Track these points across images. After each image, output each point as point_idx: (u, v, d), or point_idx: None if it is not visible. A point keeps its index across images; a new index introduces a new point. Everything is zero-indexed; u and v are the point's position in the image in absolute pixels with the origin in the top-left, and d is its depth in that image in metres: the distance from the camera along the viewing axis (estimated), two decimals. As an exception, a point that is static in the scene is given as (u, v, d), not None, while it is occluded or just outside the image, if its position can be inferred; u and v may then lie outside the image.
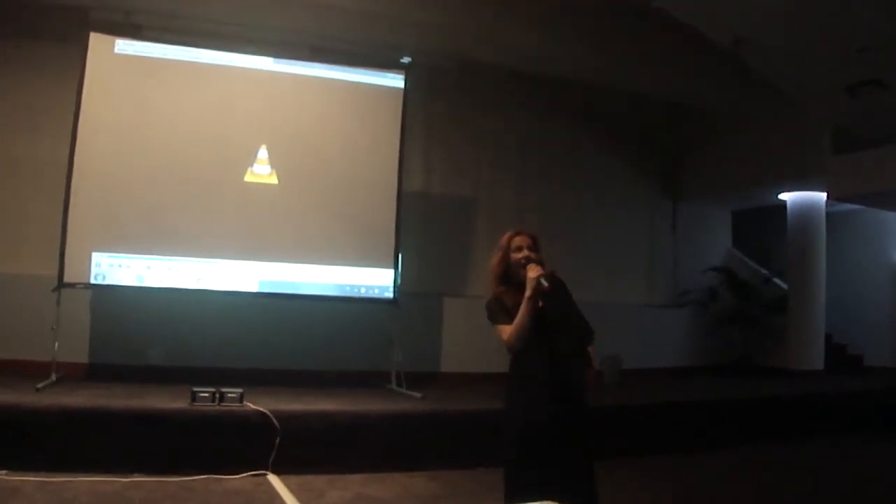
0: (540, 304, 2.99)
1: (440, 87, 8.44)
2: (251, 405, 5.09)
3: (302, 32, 7.60)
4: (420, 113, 7.99)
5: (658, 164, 10.61)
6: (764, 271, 11.05)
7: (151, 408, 4.99)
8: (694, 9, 6.59)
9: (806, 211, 10.10)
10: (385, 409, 5.61)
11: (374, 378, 7.09)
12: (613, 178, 10.02)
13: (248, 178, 6.70)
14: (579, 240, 9.21)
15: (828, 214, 10.19)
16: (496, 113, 9.02)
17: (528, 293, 2.96)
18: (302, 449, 4.96)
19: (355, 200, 6.99)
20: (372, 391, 6.66)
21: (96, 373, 6.63)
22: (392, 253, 7.04)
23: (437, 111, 8.50)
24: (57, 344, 5.94)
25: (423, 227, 8.15)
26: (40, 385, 5.41)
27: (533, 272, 2.97)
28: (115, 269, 6.27)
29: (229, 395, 5.14)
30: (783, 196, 10.31)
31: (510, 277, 3.13)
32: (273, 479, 4.77)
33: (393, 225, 7.06)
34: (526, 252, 3.09)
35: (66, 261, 6.05)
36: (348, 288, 6.94)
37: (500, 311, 3.08)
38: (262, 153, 6.73)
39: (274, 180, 6.77)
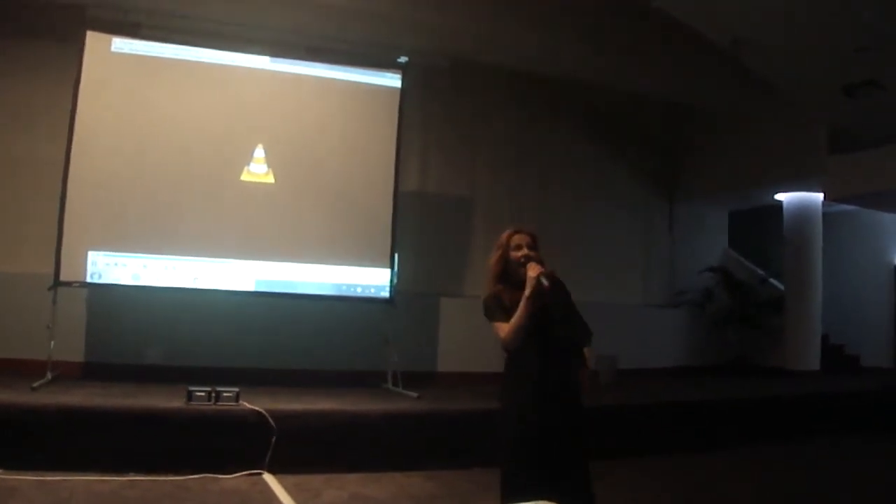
0: (539, 302, 2.97)
1: (437, 86, 8.43)
2: (247, 404, 5.08)
3: (299, 32, 7.58)
4: (417, 112, 7.97)
5: (656, 164, 10.61)
6: (760, 272, 11.07)
7: (148, 407, 4.98)
8: (693, 9, 6.60)
9: (803, 211, 10.12)
10: (382, 409, 5.60)
11: (371, 378, 7.07)
12: (611, 178, 10.01)
13: (244, 177, 6.68)
14: (576, 240, 9.19)
15: (824, 215, 10.21)
16: (493, 113, 9.02)
17: (527, 292, 2.95)
18: (298, 448, 4.96)
19: (352, 200, 6.98)
20: (368, 391, 6.65)
21: (92, 372, 6.61)
22: (388, 252, 7.02)
23: (433, 111, 8.49)
24: (53, 343, 5.92)
25: (420, 227, 8.14)
26: (36, 384, 5.39)
27: (533, 271, 2.96)
28: (111, 267, 6.25)
29: (225, 394, 5.13)
30: (780, 196, 10.33)
31: (509, 276, 3.12)
32: (269, 478, 4.75)
33: (389, 224, 7.05)
34: (525, 251, 3.09)
35: (63, 259, 6.03)
36: (345, 287, 6.92)
37: (498, 308, 3.07)
38: (259, 152, 6.71)
39: (270, 179, 6.75)
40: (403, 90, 7.21)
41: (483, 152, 8.97)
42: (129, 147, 6.37)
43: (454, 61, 8.45)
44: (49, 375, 5.77)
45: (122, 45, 6.43)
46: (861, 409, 7.82)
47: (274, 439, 4.88)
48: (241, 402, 5.12)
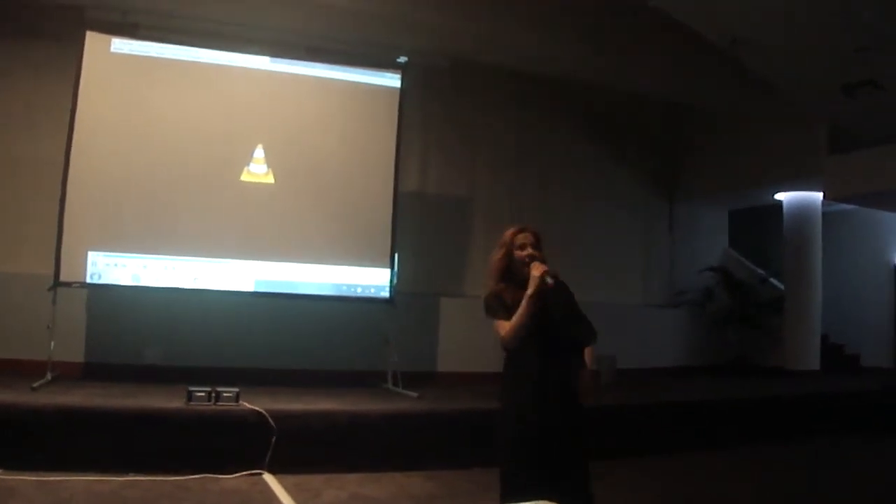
0: (541, 302, 2.96)
1: (437, 86, 8.43)
2: (247, 405, 5.08)
3: (298, 32, 7.59)
4: (417, 112, 7.96)
5: (656, 164, 10.61)
6: (760, 271, 11.07)
7: (148, 407, 4.98)
8: (692, 9, 6.60)
9: (802, 211, 10.13)
10: (382, 409, 5.60)
11: (371, 378, 7.07)
12: (611, 178, 10.01)
13: (244, 177, 6.68)
14: (576, 240, 9.18)
15: (824, 214, 10.21)
16: (493, 112, 9.02)
17: (530, 290, 2.93)
18: (298, 448, 4.95)
19: (351, 200, 6.98)
20: (368, 391, 6.65)
21: (92, 372, 6.61)
22: (388, 252, 7.02)
23: (433, 111, 8.49)
24: (53, 343, 5.92)
25: (420, 227, 8.14)
26: (36, 384, 5.39)
27: (537, 270, 2.95)
28: (111, 268, 6.24)
29: (225, 394, 5.12)
30: (779, 196, 10.33)
31: (512, 274, 3.10)
32: (269, 478, 4.75)
33: (389, 224, 7.04)
34: (530, 250, 3.07)
35: (63, 260, 6.03)
36: (344, 287, 6.92)
37: (499, 306, 3.05)
38: (259, 152, 6.71)
39: (270, 180, 6.75)
40: (403, 90, 7.21)
41: (483, 152, 8.97)
42: (129, 147, 6.36)
43: (454, 61, 8.45)
44: (49, 376, 5.77)
45: (122, 45, 6.43)
46: (861, 409, 7.82)
47: (274, 439, 4.87)
48: (240, 402, 5.12)
